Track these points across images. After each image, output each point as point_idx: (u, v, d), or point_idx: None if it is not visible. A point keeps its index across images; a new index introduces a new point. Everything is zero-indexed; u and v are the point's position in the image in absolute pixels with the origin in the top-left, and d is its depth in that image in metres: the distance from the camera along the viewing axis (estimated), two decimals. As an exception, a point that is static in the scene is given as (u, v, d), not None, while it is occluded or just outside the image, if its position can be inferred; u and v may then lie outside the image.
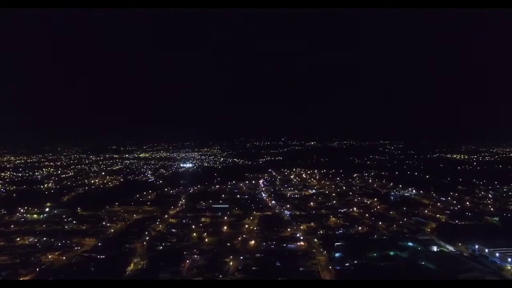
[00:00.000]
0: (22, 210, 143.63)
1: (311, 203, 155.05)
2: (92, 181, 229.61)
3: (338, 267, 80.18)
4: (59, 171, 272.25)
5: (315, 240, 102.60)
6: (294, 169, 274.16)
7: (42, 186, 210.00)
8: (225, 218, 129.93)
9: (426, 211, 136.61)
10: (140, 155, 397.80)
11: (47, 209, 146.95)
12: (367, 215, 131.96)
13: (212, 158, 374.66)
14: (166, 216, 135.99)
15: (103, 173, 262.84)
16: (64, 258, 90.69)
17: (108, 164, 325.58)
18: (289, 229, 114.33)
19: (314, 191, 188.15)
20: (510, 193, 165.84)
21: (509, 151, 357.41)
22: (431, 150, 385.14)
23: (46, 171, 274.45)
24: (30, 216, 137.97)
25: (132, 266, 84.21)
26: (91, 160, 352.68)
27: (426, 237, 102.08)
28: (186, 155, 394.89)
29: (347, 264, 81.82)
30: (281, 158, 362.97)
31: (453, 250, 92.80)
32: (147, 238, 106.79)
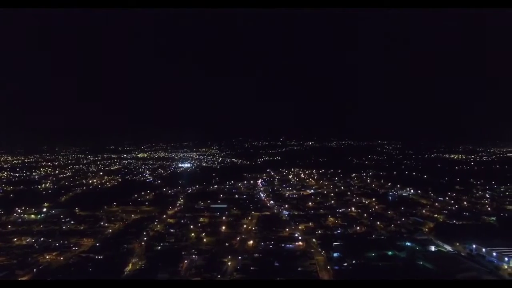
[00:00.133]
0: (19, 211, 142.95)
1: (310, 203, 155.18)
2: (90, 181, 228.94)
3: (336, 267, 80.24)
4: (57, 171, 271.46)
5: (314, 240, 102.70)
6: (292, 169, 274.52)
7: (39, 186, 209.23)
8: (224, 218, 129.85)
9: (424, 211, 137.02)
10: (138, 155, 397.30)
11: (44, 209, 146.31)
12: (365, 215, 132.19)
13: (211, 158, 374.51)
14: (164, 216, 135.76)
15: (101, 173, 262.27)
16: (61, 258, 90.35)
17: (106, 164, 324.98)
18: (287, 229, 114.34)
19: (312, 191, 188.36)
20: (507, 193, 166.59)
21: (506, 151, 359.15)
22: (429, 150, 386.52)
23: (43, 171, 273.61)
24: (28, 216, 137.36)
25: (130, 267, 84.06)
26: (89, 160, 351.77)
27: (424, 237, 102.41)
28: (184, 155, 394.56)
29: (346, 264, 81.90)
30: (279, 158, 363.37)
31: (451, 249, 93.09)
32: (145, 238, 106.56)
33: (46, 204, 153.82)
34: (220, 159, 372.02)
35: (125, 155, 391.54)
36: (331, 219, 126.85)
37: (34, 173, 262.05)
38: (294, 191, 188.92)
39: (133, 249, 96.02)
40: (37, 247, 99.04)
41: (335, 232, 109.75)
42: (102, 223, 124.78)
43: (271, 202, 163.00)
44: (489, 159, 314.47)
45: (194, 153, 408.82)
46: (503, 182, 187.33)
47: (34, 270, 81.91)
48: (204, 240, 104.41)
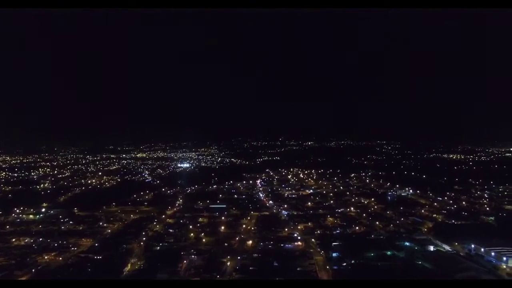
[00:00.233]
0: (18, 211, 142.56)
1: (309, 203, 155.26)
2: (89, 181, 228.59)
3: (335, 267, 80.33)
4: (56, 171, 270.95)
5: (313, 240, 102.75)
6: (291, 169, 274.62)
7: (38, 186, 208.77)
8: (223, 218, 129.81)
9: (423, 210, 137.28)
10: (137, 155, 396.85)
11: (43, 210, 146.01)
12: (364, 215, 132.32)
13: (210, 158, 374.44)
14: (163, 216, 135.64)
15: (100, 173, 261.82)
16: (60, 258, 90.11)
17: (105, 164, 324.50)
18: (286, 229, 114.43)
19: (311, 191, 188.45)
20: (505, 193, 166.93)
21: (504, 151, 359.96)
22: (427, 150, 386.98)
23: (42, 171, 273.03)
24: (26, 216, 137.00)
25: (129, 267, 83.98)
26: (88, 160, 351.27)
27: (423, 237, 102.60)
28: (183, 155, 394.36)
29: (345, 264, 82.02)
30: (278, 158, 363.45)
31: (450, 249, 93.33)
32: (144, 238, 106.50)
33: (44, 204, 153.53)
34: (219, 159, 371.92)
35: (124, 155, 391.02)
36: (330, 219, 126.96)
37: (32, 173, 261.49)
38: (293, 191, 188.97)
39: (132, 249, 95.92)
40: (35, 247, 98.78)
41: (334, 232, 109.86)
42: (101, 223, 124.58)
43: (270, 202, 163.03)
44: (488, 159, 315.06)
45: (193, 153, 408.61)
46: (502, 182, 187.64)
47: (33, 270, 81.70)
48: (203, 240, 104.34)
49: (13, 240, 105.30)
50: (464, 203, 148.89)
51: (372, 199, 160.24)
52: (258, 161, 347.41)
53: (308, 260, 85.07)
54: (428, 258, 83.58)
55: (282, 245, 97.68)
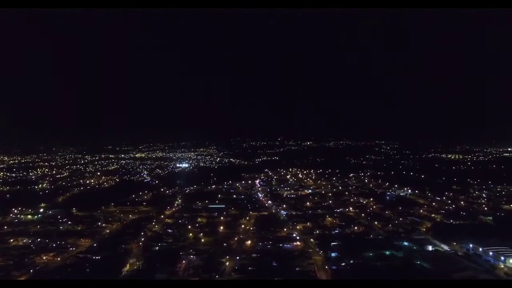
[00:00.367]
0: (16, 211, 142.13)
1: (307, 203, 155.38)
2: (88, 182, 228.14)
3: (334, 267, 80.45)
4: (54, 171, 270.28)
5: (311, 240, 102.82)
6: (290, 169, 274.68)
7: (36, 187, 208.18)
8: (221, 218, 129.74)
9: (421, 210, 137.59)
10: (136, 155, 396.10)
11: (41, 210, 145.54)
12: (363, 215, 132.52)
13: (208, 158, 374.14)
14: (162, 216, 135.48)
15: (98, 173, 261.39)
16: (58, 259, 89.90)
17: (104, 164, 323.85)
18: (285, 229, 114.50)
19: (310, 191, 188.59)
20: (503, 193, 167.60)
21: (502, 151, 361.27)
22: (426, 150, 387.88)
23: (40, 171, 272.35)
24: (24, 217, 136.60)
25: (128, 267, 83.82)
26: (86, 160, 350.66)
27: (421, 237, 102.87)
28: (182, 155, 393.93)
29: (343, 263, 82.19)
30: (277, 158, 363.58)
31: (448, 249, 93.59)
32: (143, 238, 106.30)
33: (43, 205, 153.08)
34: (218, 159, 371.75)
35: (122, 155, 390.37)
36: (329, 219, 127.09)
37: (31, 173, 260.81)
38: (292, 191, 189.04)
39: (130, 250, 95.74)
40: (33, 247, 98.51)
41: (333, 232, 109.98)
42: (99, 224, 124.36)
43: (269, 202, 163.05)
44: (486, 159, 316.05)
45: (192, 153, 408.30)
46: (500, 181, 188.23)
47: (31, 271, 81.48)
48: (202, 240, 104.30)
49: (11, 240, 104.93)
50: (462, 203, 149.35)
51: (371, 199, 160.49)
52: (257, 161, 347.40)
53: (307, 260, 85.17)
54: (427, 258, 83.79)
55: (281, 245, 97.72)
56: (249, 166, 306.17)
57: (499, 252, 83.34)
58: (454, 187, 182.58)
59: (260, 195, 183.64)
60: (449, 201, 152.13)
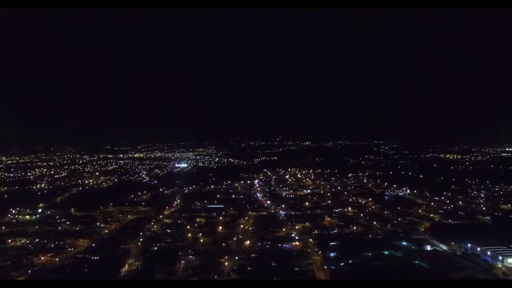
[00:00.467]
0: (13, 211, 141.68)
1: (306, 203, 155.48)
2: (86, 182, 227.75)
3: (333, 267, 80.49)
4: (52, 172, 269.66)
5: (310, 240, 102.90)
6: (289, 169, 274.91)
7: (34, 187, 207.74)
8: (220, 218, 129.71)
9: (420, 210, 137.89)
10: (135, 155, 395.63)
11: (39, 210, 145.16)
12: (361, 214, 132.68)
13: (207, 158, 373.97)
14: (161, 216, 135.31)
15: (97, 173, 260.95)
16: (57, 259, 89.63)
17: (102, 164, 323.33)
18: (284, 229, 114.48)
19: (309, 191, 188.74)
20: (501, 193, 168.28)
21: (500, 151, 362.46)
22: (424, 150, 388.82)
23: (38, 171, 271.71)
24: (22, 217, 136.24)
25: (126, 267, 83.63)
26: (85, 160, 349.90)
27: (420, 237, 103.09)
28: (181, 155, 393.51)
29: (342, 263, 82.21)
30: (276, 158, 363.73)
31: (446, 249, 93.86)
32: (142, 238, 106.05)
33: (41, 205, 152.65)
34: (217, 159, 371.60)
35: (121, 155, 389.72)
36: (328, 219, 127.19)
37: (29, 174, 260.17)
38: (291, 191, 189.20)
39: (129, 250, 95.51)
40: (32, 248, 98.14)
41: (332, 232, 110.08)
42: (98, 224, 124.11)
43: (268, 202, 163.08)
44: (484, 159, 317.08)
45: (190, 153, 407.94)
46: (498, 181, 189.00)
47: (29, 271, 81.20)
48: (201, 240, 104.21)
49: (9, 241, 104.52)
50: (460, 202, 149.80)
51: (370, 199, 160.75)
52: (256, 161, 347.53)
53: (305, 260, 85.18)
54: (425, 258, 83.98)
55: (279, 245, 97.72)
56: (248, 166, 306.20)
57: (497, 252, 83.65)
58: (453, 187, 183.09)
59: (259, 195, 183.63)
60: (448, 201, 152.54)
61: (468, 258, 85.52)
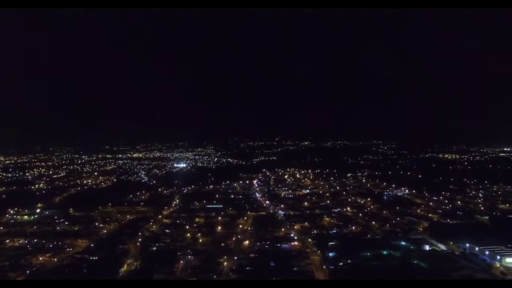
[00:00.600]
0: (12, 212, 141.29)
1: (305, 203, 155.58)
2: (85, 182, 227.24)
3: (332, 267, 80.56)
4: (51, 172, 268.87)
5: (309, 240, 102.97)
6: (288, 169, 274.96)
7: (33, 187, 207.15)
8: (219, 218, 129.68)
9: (418, 210, 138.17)
10: (134, 155, 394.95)
11: (38, 210, 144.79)
12: (360, 214, 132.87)
13: (206, 158, 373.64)
14: (159, 216, 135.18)
15: (95, 173, 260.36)
16: (55, 259, 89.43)
17: (101, 164, 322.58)
18: (283, 229, 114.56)
19: (308, 191, 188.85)
20: (499, 192, 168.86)
21: (499, 151, 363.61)
22: (423, 150, 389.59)
23: (37, 171, 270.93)
24: (21, 217, 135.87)
25: (125, 267, 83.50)
26: (83, 160, 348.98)
27: (419, 236, 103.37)
28: (180, 155, 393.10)
29: (341, 263, 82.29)
30: (275, 158, 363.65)
31: (445, 248, 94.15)
32: (141, 238, 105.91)
33: (39, 205, 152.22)
34: (216, 159, 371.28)
35: (120, 155, 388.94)
36: (327, 219, 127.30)
37: (27, 174, 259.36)
38: (290, 191, 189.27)
39: (128, 250, 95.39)
40: (30, 248, 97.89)
41: (331, 232, 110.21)
42: (97, 224, 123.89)
43: (267, 202, 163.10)
44: (482, 159, 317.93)
45: (189, 153, 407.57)
46: (496, 181, 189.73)
47: (27, 271, 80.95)
48: (200, 240, 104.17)
49: (7, 241, 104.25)
50: (459, 202, 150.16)
51: (368, 199, 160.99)
52: (255, 161, 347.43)
53: (304, 260, 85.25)
54: (424, 257, 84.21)
55: (278, 245, 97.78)
56: (247, 166, 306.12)
57: (495, 251, 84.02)
58: (451, 187, 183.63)
59: (258, 195, 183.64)
60: (446, 201, 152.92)
61: (466, 257, 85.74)
